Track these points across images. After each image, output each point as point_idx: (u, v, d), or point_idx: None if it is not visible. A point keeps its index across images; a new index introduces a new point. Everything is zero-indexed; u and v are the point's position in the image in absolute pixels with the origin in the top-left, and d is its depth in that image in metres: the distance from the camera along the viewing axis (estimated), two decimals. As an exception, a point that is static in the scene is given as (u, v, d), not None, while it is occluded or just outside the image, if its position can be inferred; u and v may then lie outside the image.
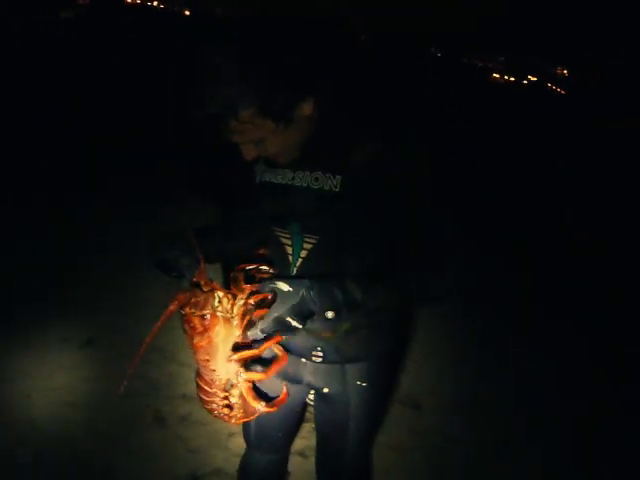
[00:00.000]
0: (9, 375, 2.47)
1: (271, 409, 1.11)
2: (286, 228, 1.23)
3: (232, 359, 1.06)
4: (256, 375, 1.09)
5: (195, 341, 1.07)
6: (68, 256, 3.59)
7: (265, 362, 1.15)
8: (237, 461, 1.78)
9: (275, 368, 1.09)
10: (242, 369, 1.08)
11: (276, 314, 1.00)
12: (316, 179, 1.16)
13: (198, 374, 1.19)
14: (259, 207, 1.29)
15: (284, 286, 1.00)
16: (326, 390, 1.36)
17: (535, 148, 11.39)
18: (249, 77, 0.97)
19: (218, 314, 1.04)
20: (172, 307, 1.02)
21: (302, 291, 0.99)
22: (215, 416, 1.25)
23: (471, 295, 4.05)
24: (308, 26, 1.08)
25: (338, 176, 1.14)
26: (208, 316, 1.04)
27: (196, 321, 1.04)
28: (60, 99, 7.97)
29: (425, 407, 2.69)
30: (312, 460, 1.69)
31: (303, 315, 1.01)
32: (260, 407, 1.09)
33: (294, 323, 1.00)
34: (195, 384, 1.21)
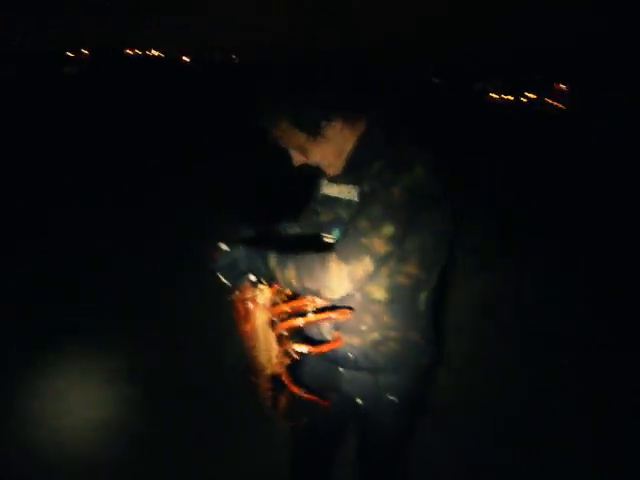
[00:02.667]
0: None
1: (311, 397, 1.28)
2: (331, 234, 1.41)
3: (280, 328, 1.23)
4: (305, 347, 1.26)
5: (241, 327, 1.25)
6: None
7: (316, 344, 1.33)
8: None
9: (327, 346, 1.27)
10: (291, 345, 1.26)
11: (211, 267, 1.24)
12: (348, 191, 1.36)
13: (248, 369, 1.35)
14: (316, 216, 1.50)
15: (223, 246, 1.24)
16: (359, 401, 1.47)
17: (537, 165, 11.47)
18: (286, 99, 1.27)
19: (259, 301, 1.22)
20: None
21: (235, 253, 1.23)
22: (267, 411, 1.44)
23: (485, 297, 4.21)
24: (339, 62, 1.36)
25: (357, 187, 1.32)
26: (250, 302, 1.22)
27: (240, 307, 1.22)
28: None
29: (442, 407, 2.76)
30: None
31: (234, 274, 1.24)
32: (301, 392, 1.27)
33: (224, 280, 1.24)
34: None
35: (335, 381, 1.47)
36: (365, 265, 1.16)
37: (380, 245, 1.17)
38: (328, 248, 1.24)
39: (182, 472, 2.31)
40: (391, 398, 1.43)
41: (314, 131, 1.29)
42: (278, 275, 1.20)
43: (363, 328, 1.35)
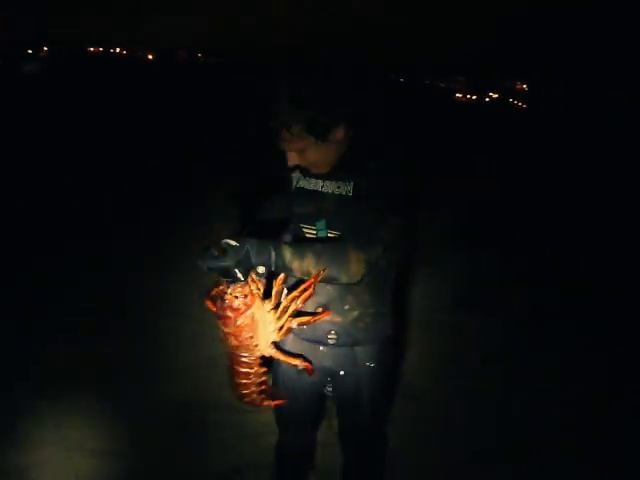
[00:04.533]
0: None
1: (307, 366, 1.32)
2: (313, 225, 1.54)
3: (292, 323, 1.27)
4: (304, 319, 1.29)
5: (239, 322, 1.23)
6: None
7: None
8: (267, 458, 1.96)
9: (319, 317, 1.31)
10: (293, 320, 1.28)
11: (224, 264, 1.17)
12: (338, 187, 1.49)
13: (236, 362, 1.34)
14: (292, 208, 1.60)
15: (232, 242, 1.20)
16: (342, 372, 1.62)
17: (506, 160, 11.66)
18: (302, 105, 1.34)
19: (255, 292, 1.23)
20: (215, 292, 1.26)
21: (246, 247, 1.18)
22: (247, 401, 1.42)
23: (475, 295, 4.25)
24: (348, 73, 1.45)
25: (352, 182, 1.46)
26: (249, 296, 1.22)
27: (240, 302, 1.22)
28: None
29: (425, 398, 2.85)
30: (334, 451, 1.90)
31: (244, 267, 1.20)
32: (299, 364, 1.32)
33: (238, 274, 1.19)
34: (231, 373, 1.37)
35: (316, 359, 1.58)
36: (377, 252, 1.31)
37: (387, 234, 1.33)
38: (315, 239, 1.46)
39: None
40: (368, 365, 1.60)
41: (323, 135, 1.38)
42: (294, 265, 1.23)
43: (346, 307, 1.54)
